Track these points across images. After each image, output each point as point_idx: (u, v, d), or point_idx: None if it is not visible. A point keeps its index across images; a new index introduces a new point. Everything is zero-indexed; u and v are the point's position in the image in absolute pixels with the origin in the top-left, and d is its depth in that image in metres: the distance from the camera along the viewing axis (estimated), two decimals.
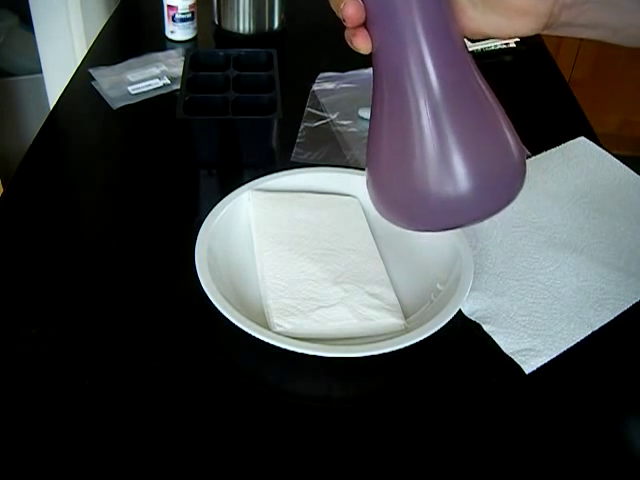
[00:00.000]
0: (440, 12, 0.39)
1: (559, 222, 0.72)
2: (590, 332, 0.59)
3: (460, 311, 0.59)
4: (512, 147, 0.41)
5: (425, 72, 0.39)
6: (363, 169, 0.74)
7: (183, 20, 1.03)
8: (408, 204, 0.42)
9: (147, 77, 0.94)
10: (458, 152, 0.40)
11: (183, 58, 0.90)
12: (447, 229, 0.43)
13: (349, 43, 0.40)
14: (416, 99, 0.40)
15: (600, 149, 0.82)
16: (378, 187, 0.44)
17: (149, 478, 0.47)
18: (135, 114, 0.88)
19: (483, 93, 0.41)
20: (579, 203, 0.74)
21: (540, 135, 0.84)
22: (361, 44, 0.39)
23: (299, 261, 0.62)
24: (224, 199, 0.67)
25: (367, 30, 0.40)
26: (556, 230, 0.70)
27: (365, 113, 0.88)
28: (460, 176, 0.39)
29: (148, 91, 0.91)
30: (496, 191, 0.41)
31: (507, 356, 0.57)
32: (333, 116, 0.89)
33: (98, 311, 0.60)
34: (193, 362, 0.56)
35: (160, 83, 0.93)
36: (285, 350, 0.53)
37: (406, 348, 0.53)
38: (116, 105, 0.88)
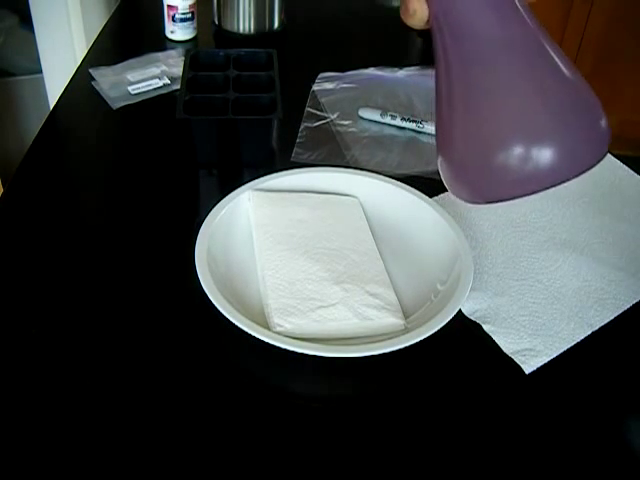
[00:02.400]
0: None
1: (559, 222, 0.72)
2: (590, 332, 0.59)
3: (460, 311, 0.59)
4: (594, 105, 0.38)
5: (486, 28, 0.37)
6: (363, 169, 0.74)
7: (183, 20, 1.03)
8: (485, 169, 0.38)
9: (147, 77, 0.94)
10: (538, 109, 0.37)
11: (183, 58, 0.90)
12: (523, 195, 0.39)
13: (403, 17, 0.40)
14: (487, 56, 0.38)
15: None
16: (455, 156, 0.40)
17: (149, 478, 0.47)
18: (135, 114, 0.88)
19: (551, 52, 0.38)
20: (579, 203, 0.75)
21: None
22: (417, 12, 0.39)
23: (299, 261, 0.62)
24: (224, 199, 0.67)
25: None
26: (556, 230, 0.71)
27: (365, 113, 0.88)
28: (541, 136, 0.36)
29: (148, 91, 0.91)
30: (580, 150, 0.37)
31: (507, 356, 0.57)
32: (333, 116, 0.89)
33: (98, 311, 0.60)
34: (193, 362, 0.56)
35: (160, 83, 0.93)
36: (285, 350, 0.53)
37: (406, 348, 0.53)
38: (116, 105, 0.88)
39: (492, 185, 0.38)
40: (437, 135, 0.42)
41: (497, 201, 0.39)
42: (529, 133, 0.36)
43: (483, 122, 0.38)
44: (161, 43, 1.05)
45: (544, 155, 0.36)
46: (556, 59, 0.37)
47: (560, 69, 0.37)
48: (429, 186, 0.73)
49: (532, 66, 0.37)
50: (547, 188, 0.37)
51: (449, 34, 0.39)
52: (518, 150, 0.36)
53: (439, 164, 0.42)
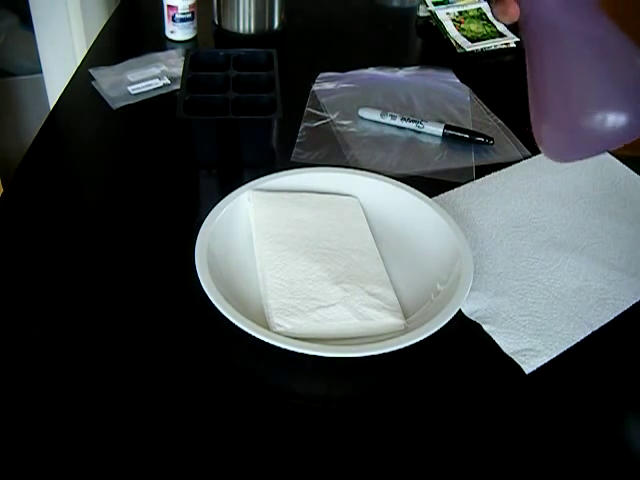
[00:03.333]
0: None
1: (559, 222, 0.72)
2: (590, 332, 0.59)
3: (460, 311, 0.59)
4: None
5: (568, 24, 0.46)
6: (363, 169, 0.74)
7: (183, 20, 1.03)
8: (578, 133, 0.47)
9: (147, 77, 0.94)
10: (614, 84, 0.46)
11: (183, 58, 0.90)
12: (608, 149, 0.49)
13: (499, 16, 0.48)
14: (568, 48, 0.47)
15: None
16: (557, 128, 0.49)
17: (149, 478, 0.47)
18: (135, 114, 0.88)
19: (618, 36, 0.47)
20: (579, 203, 0.75)
21: None
22: (513, 13, 0.47)
23: (299, 261, 0.62)
24: (224, 199, 0.67)
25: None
26: (556, 230, 0.70)
27: (365, 113, 0.88)
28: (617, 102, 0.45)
29: (148, 91, 0.91)
30: None
31: (507, 356, 0.57)
32: (333, 116, 0.89)
33: (98, 311, 0.60)
34: (193, 362, 0.56)
35: (160, 83, 0.93)
36: (285, 350, 0.53)
37: (406, 348, 0.53)
38: (116, 105, 0.88)
39: (581, 142, 0.47)
40: (533, 109, 0.50)
41: (587, 156, 0.49)
42: (606, 102, 0.45)
43: (570, 97, 0.47)
44: (161, 43, 1.05)
45: (619, 119, 0.45)
46: (623, 45, 0.46)
47: (627, 53, 0.46)
48: (429, 186, 0.73)
49: (606, 53, 0.46)
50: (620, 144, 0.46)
51: (539, 32, 0.47)
52: (598, 114, 0.45)
53: (537, 133, 0.50)
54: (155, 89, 0.92)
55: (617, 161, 0.81)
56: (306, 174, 0.72)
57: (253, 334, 0.53)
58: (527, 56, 0.49)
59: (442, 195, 0.74)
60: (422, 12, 1.17)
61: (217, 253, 0.61)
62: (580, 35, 0.46)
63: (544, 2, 0.46)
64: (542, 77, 0.49)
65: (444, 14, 1.13)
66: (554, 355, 0.57)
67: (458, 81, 0.98)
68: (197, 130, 0.77)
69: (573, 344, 0.58)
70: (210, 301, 0.55)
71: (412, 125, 0.86)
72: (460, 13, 1.14)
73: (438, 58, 1.04)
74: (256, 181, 0.70)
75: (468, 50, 1.06)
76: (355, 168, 0.75)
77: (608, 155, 0.81)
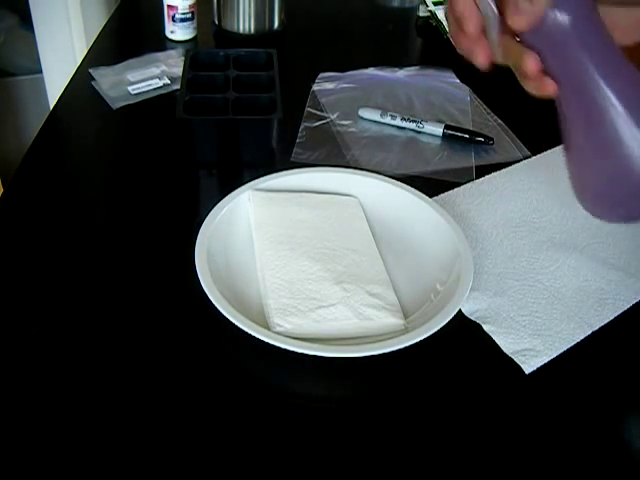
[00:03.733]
0: (600, 36, 0.43)
1: (559, 222, 0.72)
2: (590, 332, 0.59)
3: (460, 311, 0.59)
4: None
5: (603, 89, 0.44)
6: (363, 169, 0.74)
7: (183, 20, 1.03)
8: (623, 196, 0.46)
9: (147, 77, 0.94)
10: None
11: (183, 58, 0.90)
12: None
13: (534, 93, 0.45)
14: (604, 112, 0.44)
15: None
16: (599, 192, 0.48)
17: (149, 478, 0.47)
18: (135, 114, 0.88)
19: None
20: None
21: (540, 135, 0.84)
22: (550, 90, 0.44)
23: (299, 261, 0.62)
24: (224, 199, 0.67)
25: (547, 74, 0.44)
26: (556, 230, 0.71)
27: (365, 113, 0.88)
28: None
29: (148, 91, 0.91)
30: None
31: (507, 356, 0.57)
32: (333, 116, 0.89)
33: (98, 311, 0.60)
34: (193, 362, 0.56)
35: (160, 83, 0.93)
36: (285, 350, 0.53)
37: (406, 348, 0.53)
38: (116, 105, 0.88)
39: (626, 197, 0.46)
40: (574, 172, 0.48)
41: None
42: None
43: (612, 154, 0.45)
44: (161, 43, 1.05)
45: None
46: None
47: None
48: (429, 186, 0.73)
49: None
50: None
51: (574, 103, 0.45)
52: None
53: (580, 197, 0.49)
54: (155, 89, 0.92)
55: None
56: (306, 174, 0.72)
57: (253, 334, 0.53)
58: (564, 121, 0.47)
59: (442, 195, 0.74)
60: (422, 12, 1.17)
61: (217, 253, 0.61)
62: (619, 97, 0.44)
63: (583, 69, 0.43)
64: (582, 138, 0.46)
65: (444, 14, 1.13)
66: (554, 355, 0.57)
67: (458, 81, 0.98)
68: (197, 130, 0.77)
69: (573, 344, 0.58)
70: (210, 301, 0.55)
71: (412, 125, 0.86)
72: None
73: (438, 58, 1.04)
74: (256, 181, 0.70)
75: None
76: (355, 168, 0.75)
77: None
